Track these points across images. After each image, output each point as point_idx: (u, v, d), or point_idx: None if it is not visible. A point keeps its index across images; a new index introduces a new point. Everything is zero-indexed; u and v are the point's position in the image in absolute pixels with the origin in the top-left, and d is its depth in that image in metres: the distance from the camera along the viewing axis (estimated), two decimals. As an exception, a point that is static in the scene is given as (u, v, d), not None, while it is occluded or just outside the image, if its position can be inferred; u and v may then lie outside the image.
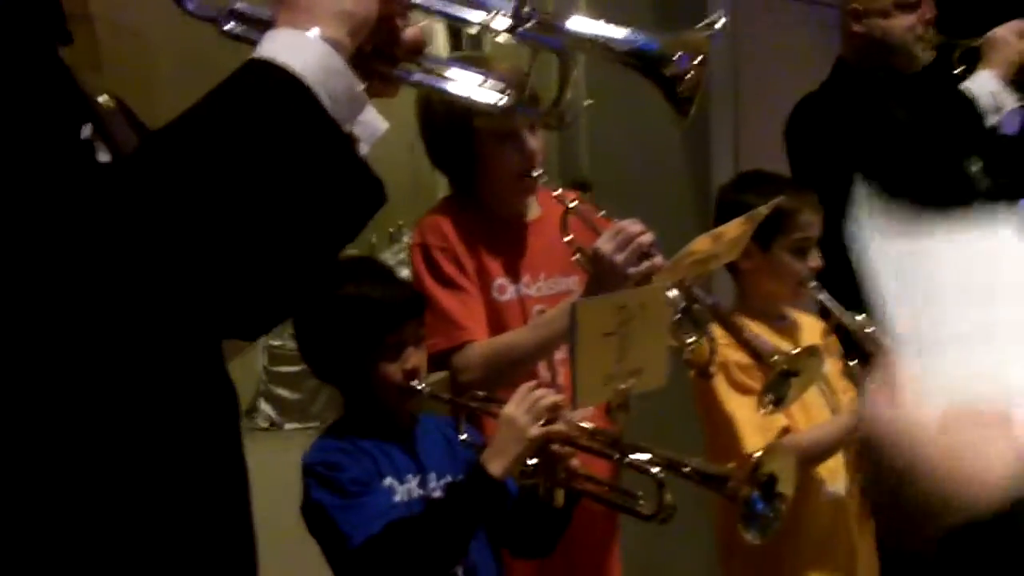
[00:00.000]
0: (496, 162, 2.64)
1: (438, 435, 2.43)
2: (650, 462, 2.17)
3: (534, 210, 2.80)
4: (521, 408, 2.20)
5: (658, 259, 2.43)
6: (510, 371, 2.54)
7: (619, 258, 2.39)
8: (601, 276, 2.43)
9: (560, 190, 2.67)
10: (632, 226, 2.44)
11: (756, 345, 2.49)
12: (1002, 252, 0.99)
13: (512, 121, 2.55)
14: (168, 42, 6.16)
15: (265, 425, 8.00)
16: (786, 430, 2.64)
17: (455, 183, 2.82)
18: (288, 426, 8.08)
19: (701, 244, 2.41)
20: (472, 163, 2.68)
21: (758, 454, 2.20)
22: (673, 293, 2.40)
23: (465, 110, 2.41)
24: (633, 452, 2.20)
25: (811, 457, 2.63)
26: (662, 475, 2.14)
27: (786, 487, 2.22)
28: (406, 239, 14.59)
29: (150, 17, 5.73)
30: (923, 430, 0.88)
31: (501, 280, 2.67)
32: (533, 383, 2.26)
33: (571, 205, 2.62)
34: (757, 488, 2.17)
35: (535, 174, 2.63)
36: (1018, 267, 0.98)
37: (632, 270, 2.39)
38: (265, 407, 8.10)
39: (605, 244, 2.42)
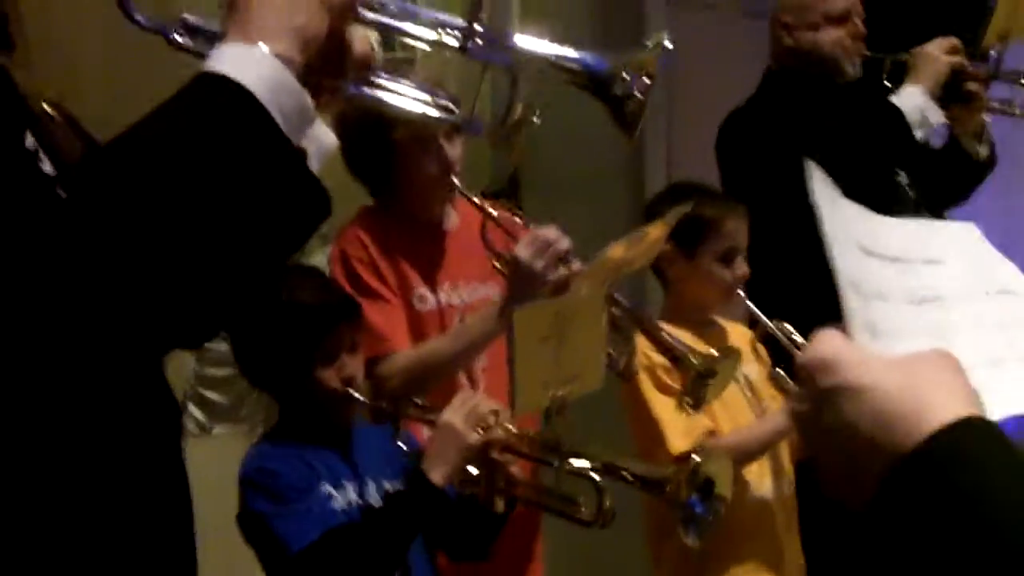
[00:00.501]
0: (414, 170, 2.66)
1: (374, 441, 2.43)
2: (590, 468, 2.19)
3: (452, 219, 2.82)
4: (459, 415, 2.21)
5: (575, 265, 2.46)
6: (432, 380, 2.57)
7: (537, 264, 2.42)
8: (519, 282, 2.46)
9: (478, 198, 2.69)
10: (549, 232, 2.47)
11: (673, 348, 2.53)
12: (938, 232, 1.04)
13: (430, 129, 2.57)
14: (96, 36, 6.11)
15: (194, 429, 7.91)
16: (711, 433, 2.68)
17: (373, 192, 2.82)
18: (217, 430, 7.99)
19: (616, 250, 2.44)
20: (389, 172, 2.70)
21: (697, 457, 2.23)
22: None
23: (381, 119, 2.42)
24: (572, 457, 2.22)
25: (737, 459, 2.64)
26: (602, 480, 2.16)
27: (723, 489, 2.26)
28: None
29: (79, 11, 5.68)
30: (879, 360, 0.90)
31: (421, 290, 2.69)
32: (471, 391, 2.28)
33: (490, 212, 2.64)
34: (696, 491, 2.20)
35: (454, 181, 2.65)
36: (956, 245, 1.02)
37: (550, 276, 2.42)
38: (194, 411, 8.00)
39: (523, 251, 2.45)
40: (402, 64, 2.66)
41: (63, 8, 5.56)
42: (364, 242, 2.66)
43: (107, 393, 1.19)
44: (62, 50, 5.77)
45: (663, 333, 2.56)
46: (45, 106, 1.46)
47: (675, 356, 2.52)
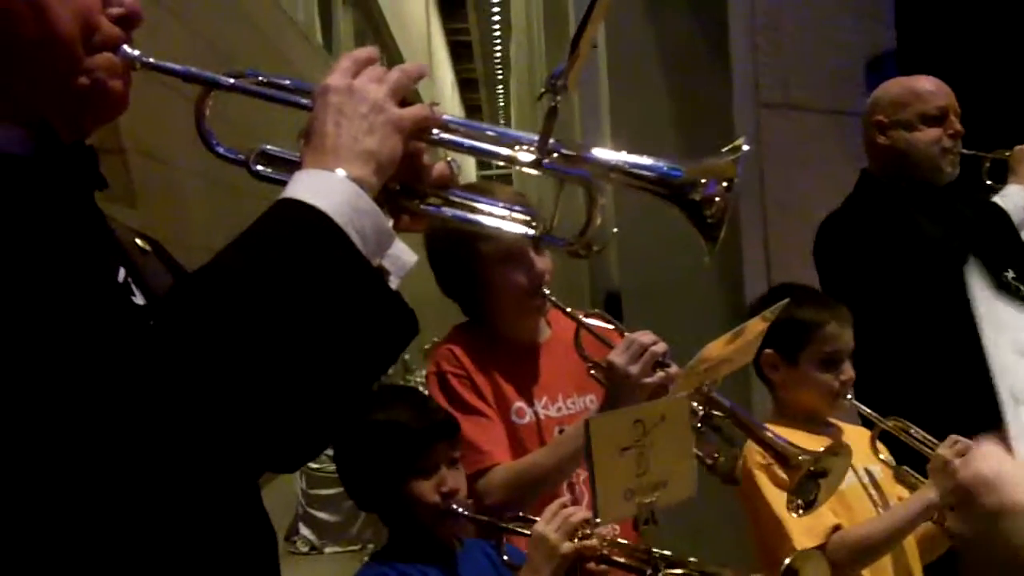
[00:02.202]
0: (503, 285, 2.66)
1: (481, 557, 2.42)
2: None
3: (545, 332, 2.81)
4: (552, 526, 2.19)
5: (673, 368, 2.42)
6: (533, 493, 2.54)
7: (633, 369, 2.39)
8: (617, 389, 2.43)
9: (569, 308, 2.67)
10: (645, 336, 2.44)
11: (778, 447, 2.48)
12: None
13: (518, 243, 2.57)
14: (196, 168, 6.30)
15: (305, 549, 7.95)
16: (836, 528, 2.61)
17: (465, 309, 2.83)
18: (328, 549, 8.03)
19: (712, 350, 2.41)
20: (479, 288, 2.70)
21: (788, 560, 2.18)
22: (693, 404, 2.39)
23: (469, 236, 2.43)
24: (667, 565, 2.19)
25: (863, 555, 2.60)
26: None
27: None
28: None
29: (179, 146, 5.87)
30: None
31: (519, 404, 2.67)
32: (564, 499, 2.25)
33: (582, 320, 2.62)
34: None
35: (545, 293, 2.64)
36: None
37: (647, 380, 2.38)
38: (305, 531, 8.06)
39: (618, 356, 2.42)
40: (497, 181, 2.68)
41: (165, 146, 5.76)
42: (459, 358, 2.66)
43: (203, 519, 1.20)
44: (165, 186, 5.97)
45: (767, 433, 2.51)
46: (137, 240, 1.50)
47: (780, 455, 2.47)
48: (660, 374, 2.40)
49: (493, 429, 2.62)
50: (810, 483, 2.43)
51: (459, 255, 2.65)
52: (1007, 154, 3.47)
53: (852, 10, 4.69)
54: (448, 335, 2.80)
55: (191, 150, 5.87)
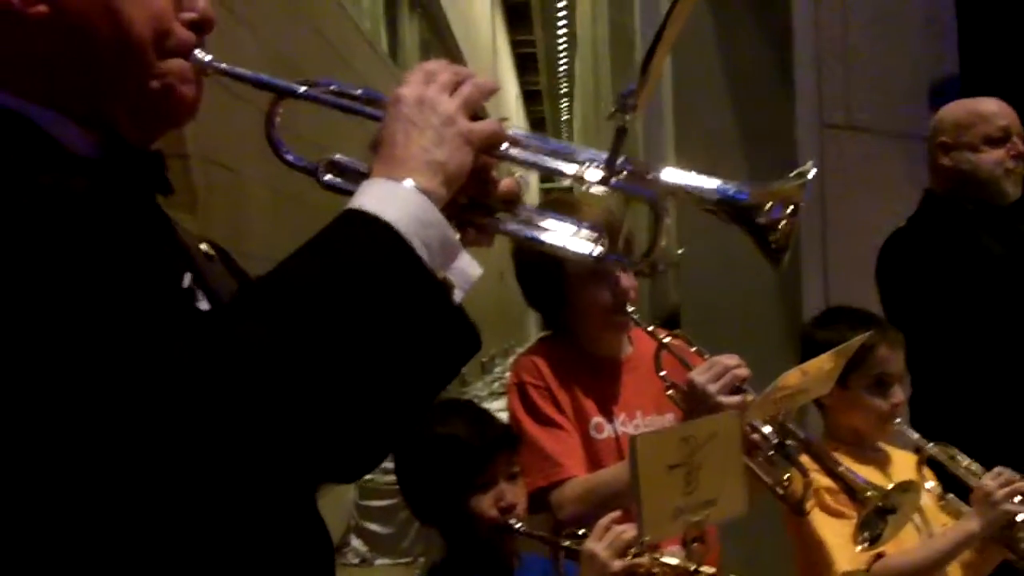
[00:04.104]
0: (588, 301, 2.66)
1: (539, 573, 2.43)
2: None
3: (627, 349, 2.81)
4: (602, 543, 2.18)
5: (750, 396, 2.41)
6: (606, 508, 2.53)
7: (712, 388, 2.38)
8: (695, 409, 2.41)
9: (652, 327, 2.67)
10: (729, 359, 2.44)
11: (850, 480, 2.46)
12: None
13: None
14: (260, 177, 6.34)
15: (356, 561, 7.96)
16: (879, 555, 2.60)
17: (549, 322, 2.85)
18: (379, 562, 8.03)
19: (791, 379, 2.40)
20: (564, 302, 2.71)
21: None
22: (767, 429, 2.39)
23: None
24: None
25: None
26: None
27: None
28: (497, 369, 14.69)
29: (243, 154, 5.91)
30: None
31: (598, 419, 2.67)
32: (615, 515, 2.24)
33: (664, 341, 2.63)
34: None
35: (628, 311, 2.64)
36: None
37: (725, 400, 2.37)
38: (356, 542, 8.06)
39: (700, 375, 2.42)
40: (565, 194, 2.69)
41: (227, 151, 5.80)
42: (541, 370, 2.67)
43: (261, 529, 1.21)
44: (227, 193, 6.02)
45: (841, 467, 2.50)
46: (202, 246, 1.51)
47: (852, 490, 2.45)
48: (737, 398, 2.39)
49: (570, 442, 2.62)
50: (878, 519, 2.41)
51: (546, 269, 2.66)
52: None
53: (917, 33, 4.67)
54: (531, 347, 2.83)
55: (255, 158, 5.94)
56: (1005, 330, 3.28)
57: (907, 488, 2.46)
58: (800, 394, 2.46)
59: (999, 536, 2.63)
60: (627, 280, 2.63)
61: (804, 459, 2.49)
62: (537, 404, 2.63)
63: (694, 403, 2.43)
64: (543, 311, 2.84)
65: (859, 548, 2.46)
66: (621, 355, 2.79)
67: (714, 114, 5.55)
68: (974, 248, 3.30)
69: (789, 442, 2.44)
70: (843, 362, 2.50)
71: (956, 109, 3.59)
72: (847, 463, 2.65)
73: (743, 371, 2.43)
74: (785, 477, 2.43)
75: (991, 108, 3.51)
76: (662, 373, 2.62)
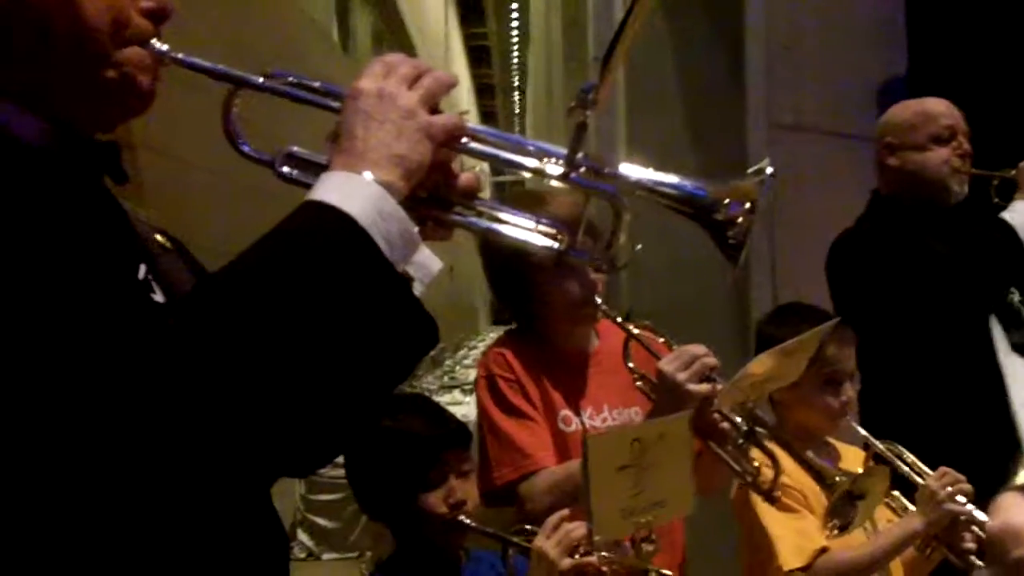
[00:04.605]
0: (556, 294, 2.66)
1: (489, 570, 2.44)
2: None
3: (594, 341, 2.81)
4: (551, 541, 2.18)
5: (720, 384, 2.41)
6: (576, 499, 2.53)
7: (682, 376, 2.38)
8: (664, 397, 2.42)
9: (621, 318, 2.67)
10: (697, 348, 2.45)
11: (819, 466, 2.49)
12: None
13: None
14: (210, 168, 6.29)
15: (303, 555, 7.92)
16: (823, 549, 2.63)
17: (517, 316, 2.84)
18: (326, 556, 8.00)
19: (759, 366, 2.41)
20: (532, 296, 2.71)
21: None
22: (738, 419, 2.41)
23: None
24: None
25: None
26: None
27: None
28: (447, 363, 14.64)
29: (193, 145, 5.86)
30: None
31: (565, 412, 2.67)
32: (564, 513, 2.25)
33: (632, 331, 2.63)
34: None
35: (597, 302, 2.64)
36: None
37: (694, 388, 2.37)
38: (303, 536, 8.02)
39: (668, 364, 2.42)
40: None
41: (177, 141, 5.76)
42: (510, 363, 2.66)
43: (215, 522, 1.19)
44: (177, 185, 5.97)
45: (809, 453, 2.53)
46: (158, 237, 1.50)
47: (819, 475, 2.47)
48: (706, 386, 2.39)
49: (540, 433, 2.61)
50: (847, 505, 2.43)
51: (513, 263, 2.66)
52: (1012, 172, 3.49)
53: (866, 36, 4.72)
54: (499, 340, 2.82)
55: (207, 149, 5.88)
56: (951, 330, 3.32)
57: (876, 473, 2.49)
58: (769, 382, 2.46)
59: (942, 535, 2.67)
60: (593, 272, 2.64)
61: (772, 446, 2.50)
62: (507, 396, 2.62)
63: (663, 393, 2.43)
64: (511, 305, 2.83)
65: (828, 534, 2.49)
66: (589, 348, 2.79)
67: (665, 115, 5.59)
68: (920, 248, 3.33)
69: (759, 429, 2.45)
70: (812, 351, 2.50)
71: (902, 110, 3.62)
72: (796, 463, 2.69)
73: (711, 360, 2.43)
74: (754, 465, 2.45)
75: (937, 108, 3.54)
76: (630, 365, 2.62)
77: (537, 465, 2.55)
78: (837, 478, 2.41)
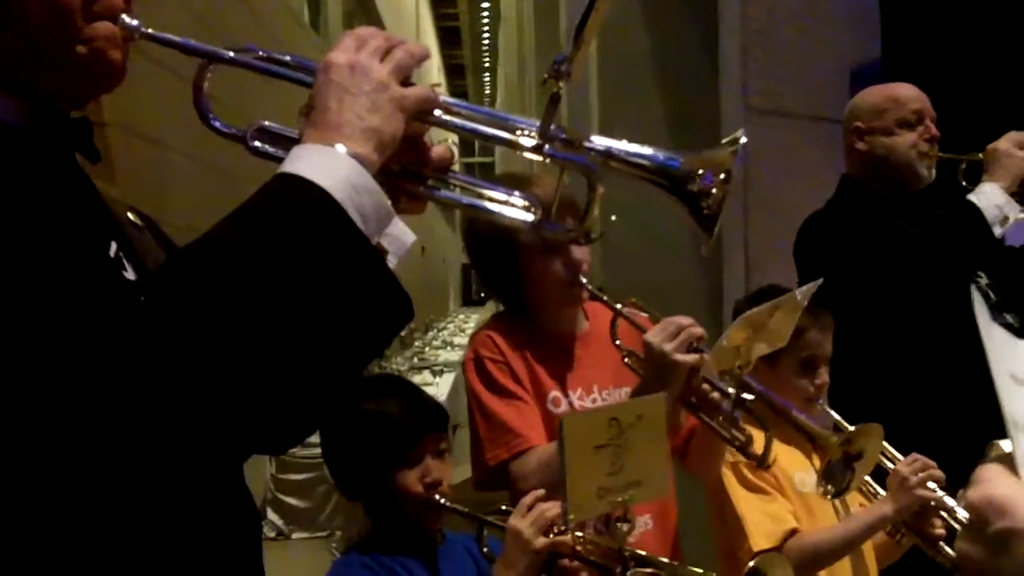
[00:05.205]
0: (542, 275, 2.64)
1: (464, 552, 2.44)
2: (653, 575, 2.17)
3: (582, 323, 2.80)
4: (526, 520, 2.18)
5: (706, 355, 2.41)
6: None
7: (668, 347, 2.38)
8: (652, 368, 2.42)
9: (607, 295, 2.66)
10: (681, 319, 2.44)
11: (811, 429, 2.50)
12: None
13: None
14: (182, 146, 6.26)
15: (273, 535, 7.91)
16: (793, 531, 2.65)
17: (505, 300, 2.82)
18: (296, 535, 8.00)
19: (737, 332, 2.40)
20: (518, 278, 2.69)
21: (752, 562, 2.19)
22: (727, 388, 2.41)
23: (507, 227, 2.44)
24: (637, 564, 2.19)
25: (818, 560, 2.65)
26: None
27: None
28: (417, 343, 14.63)
29: (164, 123, 5.83)
30: None
31: (555, 393, 2.66)
32: (539, 493, 2.24)
33: (619, 308, 2.62)
34: None
35: (583, 282, 2.63)
36: None
37: (681, 358, 2.37)
38: (273, 516, 8.02)
39: (654, 335, 2.42)
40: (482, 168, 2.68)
41: (147, 120, 5.72)
42: (498, 345, 2.65)
43: (187, 499, 1.19)
44: (148, 163, 5.93)
45: (800, 416, 2.55)
46: (129, 214, 1.49)
47: (812, 437, 2.48)
48: (694, 356, 2.38)
49: (529, 413, 2.60)
50: (845, 469, 2.45)
51: (498, 246, 2.64)
52: (980, 156, 3.51)
53: (841, 20, 4.73)
54: (487, 323, 2.80)
55: (178, 127, 5.84)
56: (919, 314, 3.33)
57: (869, 431, 2.50)
58: (757, 347, 2.46)
59: (911, 521, 2.68)
60: (579, 252, 2.62)
61: (762, 411, 2.52)
62: (495, 377, 2.61)
63: (651, 365, 2.42)
64: (498, 290, 2.81)
65: (824, 496, 2.52)
66: (577, 330, 2.78)
67: (640, 98, 5.59)
68: (887, 231, 3.34)
69: (748, 396, 2.45)
70: (796, 313, 2.49)
71: (870, 95, 3.64)
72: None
73: (698, 330, 2.42)
74: (747, 433, 2.46)
75: (905, 92, 3.57)
76: (617, 342, 2.61)
77: (528, 444, 2.54)
78: (832, 439, 2.42)
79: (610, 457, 2.04)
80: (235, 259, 1.15)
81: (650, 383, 2.40)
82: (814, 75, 4.65)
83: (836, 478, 2.46)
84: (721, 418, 2.45)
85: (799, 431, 2.53)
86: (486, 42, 36.67)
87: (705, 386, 2.41)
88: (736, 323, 2.40)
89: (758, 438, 2.47)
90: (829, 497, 2.49)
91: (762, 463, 2.49)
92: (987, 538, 0.87)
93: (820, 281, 2.55)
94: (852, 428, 2.50)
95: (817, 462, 2.83)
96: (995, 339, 1.00)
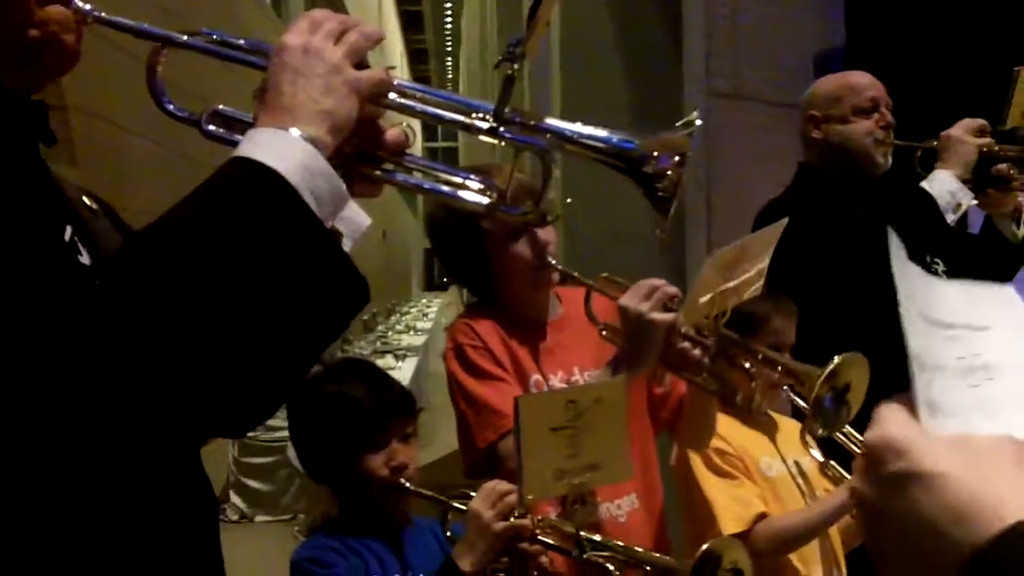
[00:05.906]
0: (510, 260, 2.62)
1: (429, 535, 2.44)
2: (609, 559, 2.17)
3: (557, 309, 2.77)
4: (486, 503, 2.18)
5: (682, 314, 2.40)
6: None
7: (644, 307, 2.35)
8: (631, 334, 2.40)
9: (576, 272, 2.64)
10: (654, 280, 2.42)
11: (794, 368, 2.51)
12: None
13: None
14: (142, 130, 6.23)
15: (235, 518, 7.90)
16: (762, 515, 2.67)
17: (473, 289, 2.81)
18: (259, 518, 7.99)
19: (707, 276, 2.38)
20: (486, 264, 2.67)
21: (707, 545, 2.20)
22: (706, 340, 2.39)
23: (470, 216, 2.42)
24: (593, 548, 2.19)
25: (786, 543, 2.66)
26: (620, 571, 2.14)
27: None
28: (380, 328, 14.63)
29: (125, 107, 5.80)
30: (949, 444, 0.86)
31: (536, 376, 2.63)
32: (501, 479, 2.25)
33: (590, 283, 2.59)
34: None
35: (551, 262, 2.61)
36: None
37: (657, 317, 2.34)
38: (235, 499, 8.01)
39: (629, 298, 2.39)
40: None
41: (109, 104, 5.68)
42: (476, 330, 2.62)
43: (143, 482, 1.19)
44: (109, 147, 5.90)
45: (784, 358, 2.55)
46: (85, 199, 1.48)
47: (799, 378, 2.48)
48: (670, 315, 2.35)
49: (513, 393, 2.53)
50: (841, 407, 2.44)
51: (462, 236, 2.62)
52: (935, 143, 3.53)
53: (804, 6, 4.75)
54: (462, 314, 2.78)
55: (140, 112, 5.79)
56: (875, 301, 3.34)
57: (852, 361, 2.48)
58: (731, 296, 2.43)
59: None
60: (544, 233, 2.60)
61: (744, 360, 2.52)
62: (476, 362, 2.58)
63: (629, 328, 2.40)
64: (466, 280, 2.80)
65: (817, 434, 2.53)
66: (551, 315, 2.75)
67: (602, 82, 5.60)
68: (842, 219, 3.35)
69: (730, 345, 2.46)
70: (763, 254, 2.48)
71: (826, 83, 3.65)
72: (736, 431, 2.75)
73: (671, 288, 2.40)
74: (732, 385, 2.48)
75: (860, 80, 3.57)
76: (593, 315, 2.58)
77: (512, 424, 2.53)
78: (816, 373, 2.41)
79: (567, 439, 2.04)
80: (189, 243, 1.15)
81: (629, 349, 2.39)
82: (778, 61, 4.67)
83: (828, 416, 2.46)
84: (705, 374, 2.44)
85: (786, 373, 2.52)
86: (449, 27, 36.59)
87: (685, 344, 2.39)
88: (705, 267, 2.38)
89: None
90: (822, 432, 2.48)
91: (755, 411, 2.49)
92: (883, 479, 0.87)
93: (785, 221, 2.53)
94: (837, 359, 2.46)
95: (783, 447, 2.85)
96: (910, 276, 0.99)
